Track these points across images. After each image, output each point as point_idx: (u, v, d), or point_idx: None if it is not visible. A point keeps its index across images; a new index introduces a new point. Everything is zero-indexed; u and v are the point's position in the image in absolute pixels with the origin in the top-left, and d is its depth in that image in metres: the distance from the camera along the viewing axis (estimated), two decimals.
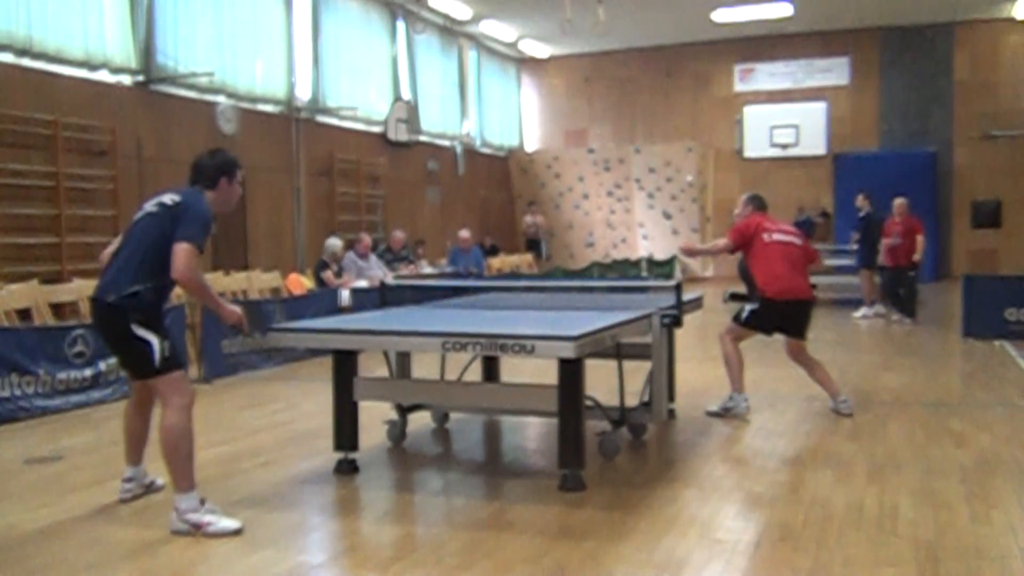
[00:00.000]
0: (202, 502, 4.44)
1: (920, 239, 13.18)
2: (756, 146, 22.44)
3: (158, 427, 4.54)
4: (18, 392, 7.26)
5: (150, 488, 5.05)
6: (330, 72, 16.19)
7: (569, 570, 3.92)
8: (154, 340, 4.50)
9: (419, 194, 19.35)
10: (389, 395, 6.16)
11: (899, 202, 13.38)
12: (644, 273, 19.02)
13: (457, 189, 20.83)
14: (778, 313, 7.02)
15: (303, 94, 15.59)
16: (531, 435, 6.70)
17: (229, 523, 4.41)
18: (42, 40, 10.71)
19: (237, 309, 4.86)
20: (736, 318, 7.24)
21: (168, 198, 4.67)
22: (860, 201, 14.31)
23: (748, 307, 7.18)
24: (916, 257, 13.18)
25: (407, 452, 6.21)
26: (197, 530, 4.36)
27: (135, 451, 4.97)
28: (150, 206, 4.70)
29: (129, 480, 4.97)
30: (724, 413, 7.06)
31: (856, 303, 14.58)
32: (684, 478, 5.38)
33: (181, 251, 4.44)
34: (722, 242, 7.40)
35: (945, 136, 21.41)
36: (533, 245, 21.67)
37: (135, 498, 4.93)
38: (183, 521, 4.38)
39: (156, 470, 4.88)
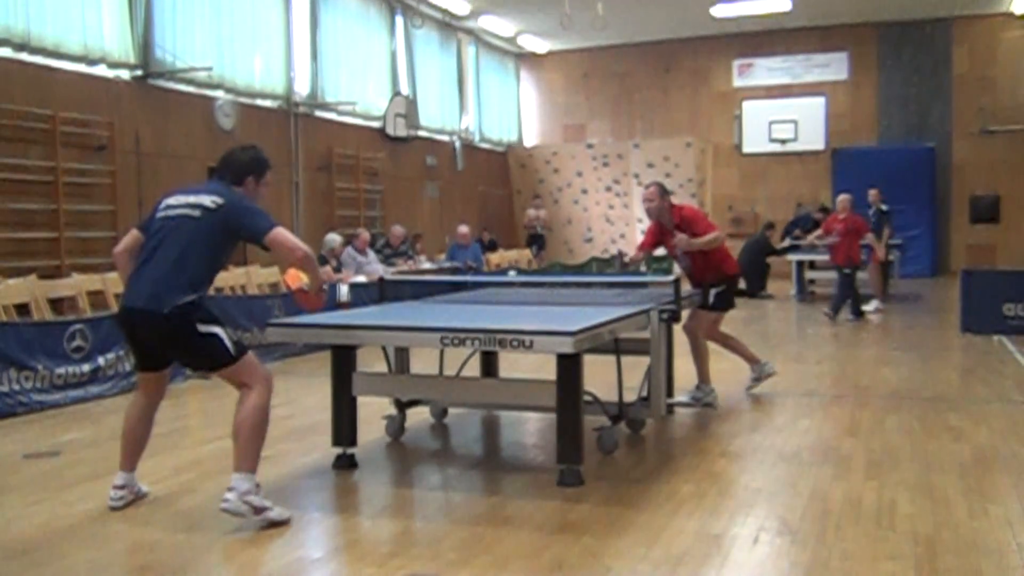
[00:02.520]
0: (257, 487, 4.39)
1: (871, 237, 12.94)
2: (755, 141, 22.47)
3: (238, 409, 4.45)
4: (16, 387, 7.26)
5: (139, 496, 4.83)
6: (329, 67, 16.17)
7: (567, 565, 3.93)
8: (219, 331, 4.43)
9: (418, 189, 19.34)
10: (388, 390, 6.17)
11: (842, 198, 13.11)
12: (642, 268, 19.01)
13: (456, 184, 20.82)
14: (736, 287, 7.51)
15: (302, 89, 15.58)
16: (529, 430, 6.70)
17: (283, 513, 4.44)
18: (40, 34, 10.69)
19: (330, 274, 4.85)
20: (706, 307, 7.22)
21: (209, 200, 4.47)
22: (872, 197, 14.22)
23: (714, 292, 7.23)
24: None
25: (406, 447, 6.22)
26: (256, 514, 4.33)
27: (133, 456, 4.77)
28: (184, 207, 4.49)
29: (121, 487, 4.74)
30: (695, 403, 7.18)
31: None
32: (682, 473, 5.38)
33: (280, 235, 4.40)
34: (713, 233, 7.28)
35: (944, 131, 21.41)
36: (535, 240, 21.51)
37: (126, 506, 4.74)
38: (244, 502, 4.30)
39: (148, 473, 4.78)
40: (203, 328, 4.38)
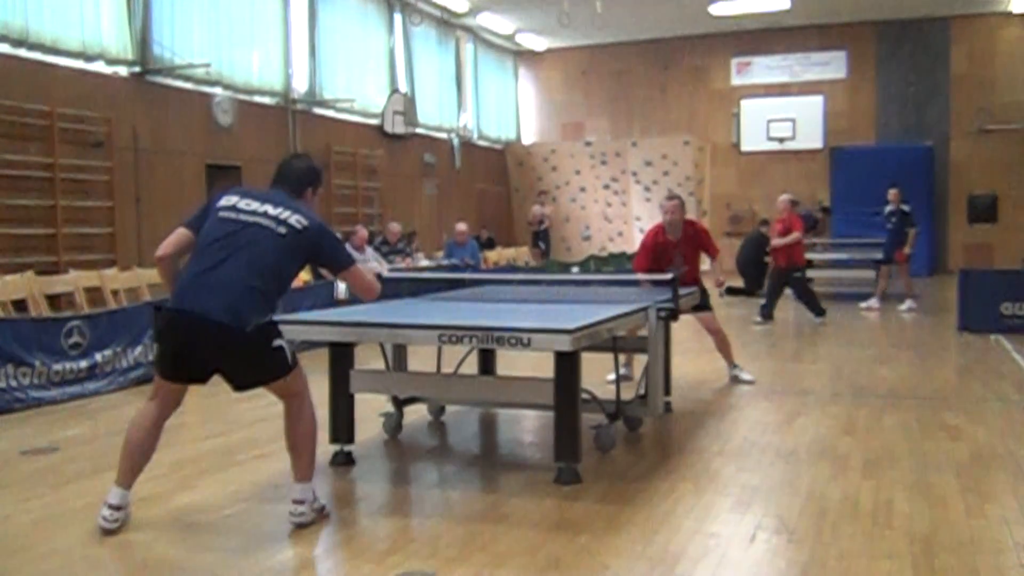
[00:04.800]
0: (313, 491, 4.41)
1: (795, 235, 12.35)
2: (753, 140, 22.48)
3: (292, 420, 4.35)
4: (14, 383, 7.25)
5: (128, 518, 4.36)
6: (327, 64, 16.16)
7: (564, 563, 3.93)
8: (285, 344, 4.27)
9: (416, 187, 19.34)
10: (385, 387, 6.16)
11: (780, 199, 12.87)
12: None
13: (454, 182, 20.81)
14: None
15: (300, 86, 15.57)
16: (527, 428, 6.70)
17: (324, 503, 4.52)
18: (38, 31, 10.68)
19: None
20: (707, 307, 8.04)
21: (295, 219, 4.22)
22: (892, 196, 14.14)
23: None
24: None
25: (403, 444, 6.22)
26: (320, 515, 4.42)
27: (135, 471, 4.34)
28: (262, 217, 4.21)
29: (117, 508, 4.26)
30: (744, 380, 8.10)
31: (854, 297, 14.62)
32: (680, 471, 5.38)
33: (357, 274, 4.51)
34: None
35: (942, 130, 21.42)
36: (540, 237, 20.75)
37: (121, 528, 4.27)
38: (314, 511, 4.35)
39: (146, 469, 4.56)
40: (276, 343, 4.20)
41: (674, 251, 7.80)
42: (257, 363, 4.20)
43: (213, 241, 4.18)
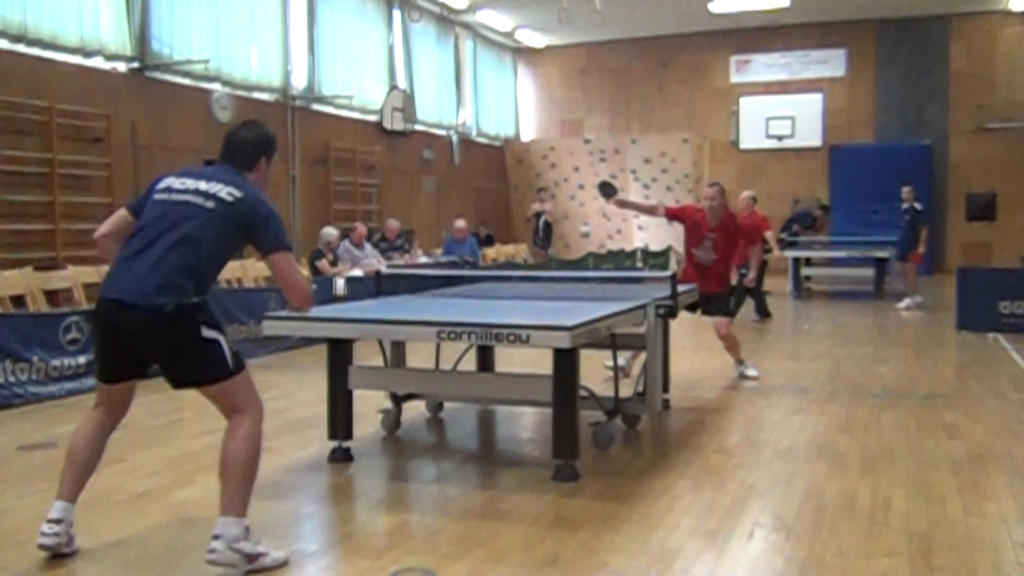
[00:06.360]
0: (247, 530, 3.80)
1: (769, 235, 12.26)
2: (752, 137, 22.48)
3: (228, 439, 3.83)
4: (12, 379, 7.26)
5: (71, 543, 3.96)
6: (326, 60, 16.14)
7: (562, 559, 3.93)
8: (221, 338, 3.84)
9: (415, 183, 19.32)
10: (384, 384, 6.17)
11: (741, 197, 12.58)
12: (639, 264, 19.03)
13: (453, 178, 20.80)
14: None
15: (299, 82, 15.55)
16: (525, 425, 6.70)
17: (279, 554, 3.88)
18: (37, 26, 10.66)
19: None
20: (728, 313, 8.30)
21: (225, 192, 3.88)
22: (906, 194, 14.10)
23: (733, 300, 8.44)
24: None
25: (401, 441, 6.22)
26: (249, 562, 3.74)
27: (78, 483, 3.98)
28: (192, 194, 3.90)
29: (58, 522, 3.89)
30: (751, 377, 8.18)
31: (852, 295, 14.61)
32: (678, 468, 5.39)
33: (284, 262, 3.94)
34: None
35: (941, 128, 21.41)
36: (542, 234, 20.39)
37: (57, 550, 3.90)
38: (233, 550, 3.69)
39: (143, 465, 4.63)
40: (207, 332, 3.79)
41: (707, 235, 8.01)
42: (183, 350, 3.79)
43: (144, 225, 3.91)
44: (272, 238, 3.94)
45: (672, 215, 8.39)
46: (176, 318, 3.72)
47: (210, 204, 3.86)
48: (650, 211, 8.98)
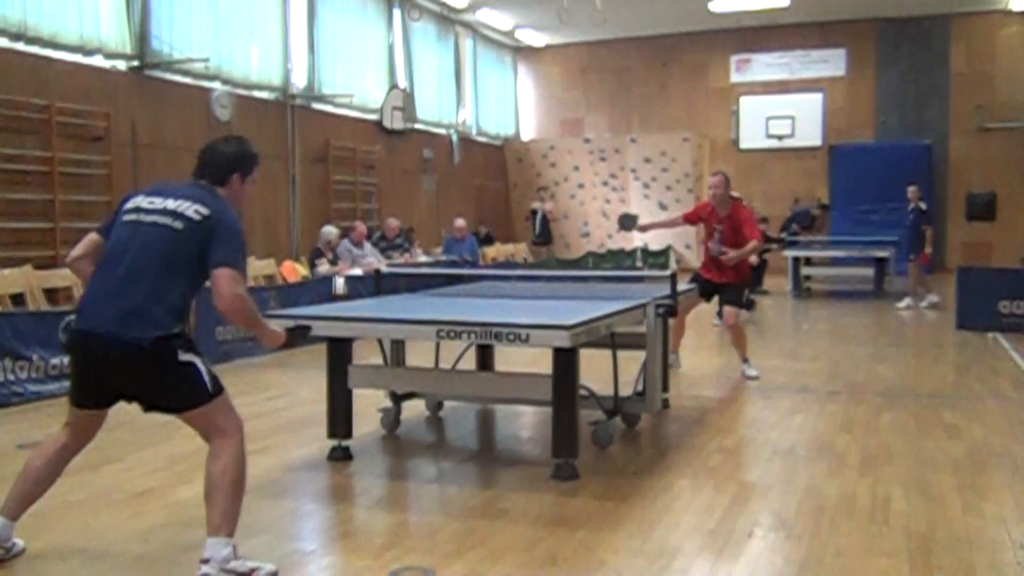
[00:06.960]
0: (235, 549, 3.67)
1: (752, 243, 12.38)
2: (752, 137, 22.47)
3: (213, 461, 3.69)
4: (11, 377, 7.25)
5: (11, 552, 3.91)
6: (326, 59, 16.13)
7: (562, 558, 3.93)
8: (198, 361, 3.70)
9: (414, 182, 19.32)
10: (383, 383, 6.17)
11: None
12: (639, 263, 19.03)
13: (452, 177, 20.78)
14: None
15: (299, 81, 15.54)
16: (525, 424, 6.70)
17: (269, 566, 3.75)
18: (37, 25, 10.64)
19: (281, 333, 4.09)
20: (740, 305, 8.45)
21: (192, 210, 3.71)
22: (911, 194, 14.09)
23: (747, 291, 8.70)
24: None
25: (401, 440, 6.22)
26: None
27: (24, 501, 3.89)
28: (160, 214, 3.74)
29: None
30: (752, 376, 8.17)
31: (852, 295, 14.61)
32: (677, 468, 5.39)
33: (223, 278, 3.63)
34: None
35: (941, 128, 21.39)
36: (539, 229, 20.44)
37: None
38: (225, 572, 3.59)
39: (143, 463, 4.59)
40: (183, 356, 3.65)
41: (715, 228, 8.21)
42: (159, 381, 3.66)
43: (112, 250, 3.76)
44: (225, 252, 3.68)
45: (688, 218, 8.71)
46: (154, 352, 3.60)
47: (179, 224, 3.70)
48: (672, 224, 9.24)
